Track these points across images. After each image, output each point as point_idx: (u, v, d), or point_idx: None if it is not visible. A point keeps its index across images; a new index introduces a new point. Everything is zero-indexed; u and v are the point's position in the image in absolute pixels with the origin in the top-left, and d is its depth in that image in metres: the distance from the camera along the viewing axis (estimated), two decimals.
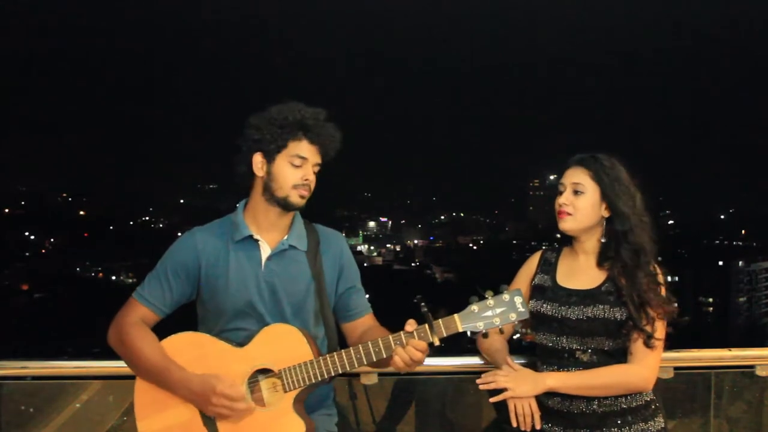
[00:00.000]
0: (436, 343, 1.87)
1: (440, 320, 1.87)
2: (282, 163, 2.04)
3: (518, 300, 1.85)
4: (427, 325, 1.86)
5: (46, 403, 2.81)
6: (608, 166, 2.10)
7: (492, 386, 2.09)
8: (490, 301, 1.85)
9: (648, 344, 2.00)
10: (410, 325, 1.88)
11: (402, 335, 1.89)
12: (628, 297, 2.02)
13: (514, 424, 2.08)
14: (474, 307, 1.85)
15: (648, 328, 2.00)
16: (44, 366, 2.64)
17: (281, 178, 2.04)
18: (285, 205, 2.06)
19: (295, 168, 2.04)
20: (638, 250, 2.06)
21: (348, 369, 1.94)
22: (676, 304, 2.06)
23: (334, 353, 1.95)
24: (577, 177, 2.11)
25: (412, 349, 1.87)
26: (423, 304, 1.84)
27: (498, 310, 1.85)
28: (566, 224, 2.11)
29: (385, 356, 1.90)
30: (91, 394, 2.80)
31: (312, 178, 2.06)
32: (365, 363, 1.93)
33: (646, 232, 2.08)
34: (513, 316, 1.85)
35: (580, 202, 2.09)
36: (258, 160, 2.06)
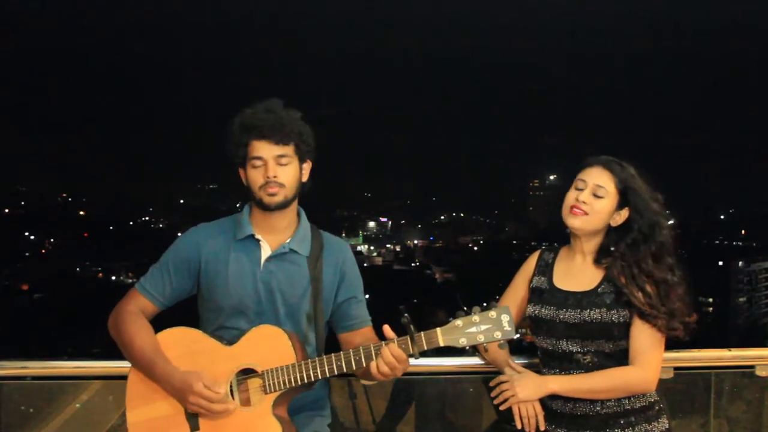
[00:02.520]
0: (417, 356, 1.86)
1: (422, 333, 1.85)
2: (249, 170, 2.07)
3: (505, 318, 1.82)
4: (408, 337, 1.85)
5: (46, 403, 2.81)
6: (632, 175, 2.08)
7: (501, 398, 2.10)
8: (476, 317, 1.83)
9: (658, 327, 1.99)
10: (388, 332, 1.88)
11: (383, 345, 1.88)
12: (629, 292, 2.01)
13: (519, 426, 2.09)
14: (458, 323, 1.84)
15: (656, 313, 1.99)
16: (44, 366, 2.65)
17: (251, 183, 2.07)
18: (263, 207, 2.07)
19: (257, 169, 2.05)
20: (669, 263, 2.06)
21: (328, 375, 1.94)
22: (694, 316, 2.05)
23: (316, 358, 1.96)
24: (602, 180, 2.08)
25: (392, 358, 1.86)
26: (405, 315, 1.82)
27: (483, 327, 1.83)
28: (577, 221, 2.09)
29: (365, 365, 1.91)
30: (91, 394, 2.81)
31: (274, 173, 2.04)
32: (345, 370, 1.93)
33: (670, 239, 2.08)
34: (498, 335, 1.82)
35: (599, 205, 2.08)
36: (241, 173, 2.11)
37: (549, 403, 2.11)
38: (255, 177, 2.06)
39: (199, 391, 1.93)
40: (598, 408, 2.06)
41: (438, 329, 1.85)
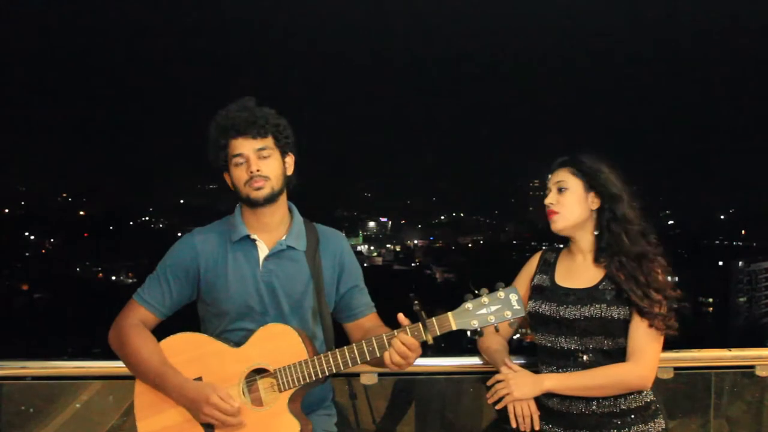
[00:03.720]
0: (430, 341, 1.86)
1: (434, 318, 1.86)
2: (232, 169, 2.08)
3: (514, 297, 1.84)
4: (420, 324, 1.85)
5: (46, 403, 2.81)
6: (588, 161, 2.15)
7: (496, 397, 2.10)
8: (485, 299, 1.84)
9: (656, 325, 2.00)
10: (402, 320, 1.87)
11: (396, 333, 1.88)
12: (628, 289, 2.03)
13: (514, 425, 2.08)
14: (468, 305, 1.84)
15: (656, 309, 2.00)
16: (44, 366, 2.65)
17: (236, 182, 2.08)
18: (252, 203, 2.07)
19: (240, 167, 2.06)
20: (640, 231, 2.09)
21: (342, 368, 1.94)
22: (679, 291, 2.06)
23: (329, 353, 1.95)
24: (560, 176, 2.16)
25: (404, 347, 1.86)
26: (416, 302, 1.82)
27: (493, 308, 1.83)
28: (557, 224, 2.15)
29: (379, 355, 1.90)
30: (91, 394, 2.80)
31: (257, 166, 2.04)
32: (359, 362, 1.93)
33: (638, 213, 2.11)
34: (508, 314, 1.83)
35: (565, 198, 2.13)
36: (227, 178, 2.12)
37: (545, 401, 2.11)
38: (239, 174, 2.06)
39: (215, 402, 1.92)
40: (594, 407, 2.06)
41: (449, 313, 1.85)
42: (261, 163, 2.05)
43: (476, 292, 1.86)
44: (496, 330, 1.92)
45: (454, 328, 1.85)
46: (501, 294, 1.84)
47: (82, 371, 2.64)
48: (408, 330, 1.87)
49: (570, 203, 2.13)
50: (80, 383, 2.77)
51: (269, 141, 2.07)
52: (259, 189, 2.04)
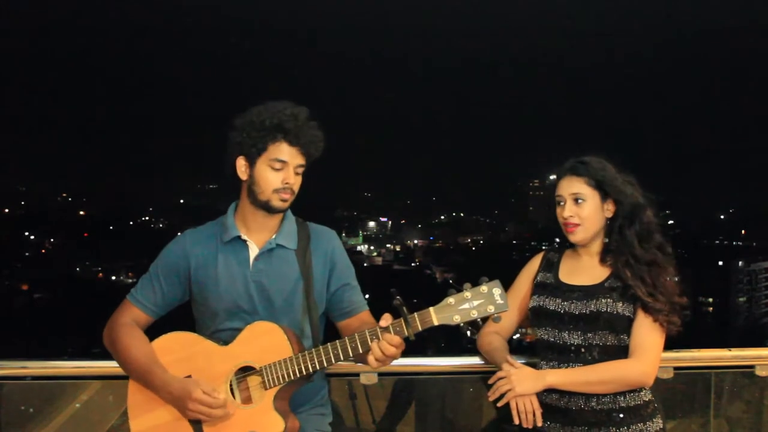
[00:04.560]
0: (412, 337, 1.85)
1: (415, 314, 1.84)
2: (262, 167, 2.04)
3: (497, 291, 1.81)
4: (402, 319, 1.84)
5: (46, 403, 2.81)
6: (599, 167, 2.12)
7: (497, 393, 2.09)
8: (467, 294, 1.82)
9: (660, 320, 2.01)
10: (385, 319, 1.86)
11: (378, 330, 1.87)
12: (634, 285, 2.03)
13: (517, 422, 2.08)
14: (450, 300, 1.82)
15: (660, 306, 2.01)
16: (44, 366, 2.65)
17: (262, 182, 2.04)
18: (267, 209, 2.06)
19: (276, 171, 2.03)
20: (655, 243, 2.09)
21: (326, 365, 1.94)
22: (685, 298, 2.07)
23: (312, 350, 1.95)
24: (574, 187, 2.12)
25: (386, 344, 1.85)
26: (397, 297, 1.80)
27: (476, 303, 1.81)
28: (577, 236, 2.12)
29: (361, 351, 1.90)
30: (91, 394, 2.81)
31: (293, 180, 2.05)
32: (342, 359, 1.93)
33: (656, 222, 2.11)
34: (491, 309, 1.81)
35: (584, 210, 2.11)
36: (241, 163, 2.07)
37: (543, 397, 2.11)
38: (272, 178, 2.04)
39: (198, 397, 1.93)
40: (593, 404, 2.06)
41: (431, 308, 1.84)
42: (295, 177, 2.07)
43: (451, 283, 1.84)
44: (480, 324, 1.90)
45: (436, 323, 1.83)
46: (484, 288, 1.82)
47: (82, 371, 2.64)
48: (390, 326, 1.86)
49: (590, 215, 2.11)
50: (80, 383, 2.77)
51: (305, 161, 2.09)
52: (284, 201, 2.06)
